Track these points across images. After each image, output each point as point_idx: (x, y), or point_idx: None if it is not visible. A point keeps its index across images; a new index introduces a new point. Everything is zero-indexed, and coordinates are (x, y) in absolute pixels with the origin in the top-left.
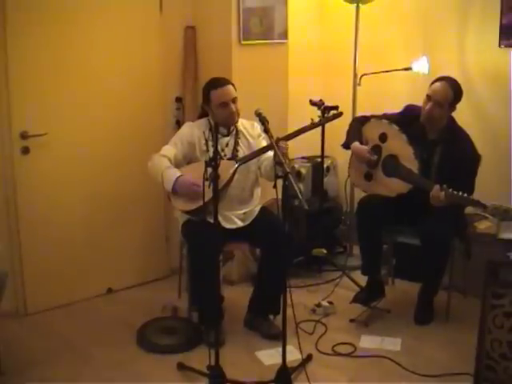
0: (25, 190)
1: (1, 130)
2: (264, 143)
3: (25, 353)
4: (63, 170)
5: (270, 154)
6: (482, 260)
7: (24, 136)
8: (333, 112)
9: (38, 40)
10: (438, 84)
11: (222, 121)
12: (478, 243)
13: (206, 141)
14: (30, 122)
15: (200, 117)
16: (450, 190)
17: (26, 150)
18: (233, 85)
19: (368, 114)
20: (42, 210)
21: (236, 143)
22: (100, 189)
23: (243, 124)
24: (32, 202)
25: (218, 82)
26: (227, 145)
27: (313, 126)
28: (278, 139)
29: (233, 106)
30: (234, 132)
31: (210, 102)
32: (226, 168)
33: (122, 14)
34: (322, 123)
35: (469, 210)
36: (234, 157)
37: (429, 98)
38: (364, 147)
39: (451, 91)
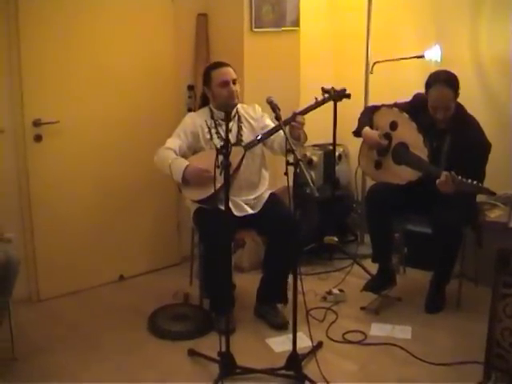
0: (37, 177)
1: (14, 117)
2: (269, 121)
3: (37, 339)
4: (75, 157)
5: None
6: (493, 248)
7: (37, 124)
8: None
9: (50, 29)
10: (436, 92)
11: (222, 102)
12: (489, 231)
13: (209, 129)
14: (43, 109)
15: (200, 107)
16: (459, 177)
17: (38, 138)
18: (233, 68)
19: (379, 103)
20: (55, 198)
21: (239, 128)
22: (112, 176)
23: (244, 108)
24: (45, 189)
25: (220, 63)
26: (230, 130)
27: (317, 104)
28: (295, 114)
29: (233, 86)
30: (236, 117)
31: (211, 82)
32: (234, 154)
33: (134, 2)
34: (325, 101)
35: (480, 198)
36: (238, 142)
37: (435, 107)
38: (375, 132)
39: (450, 90)
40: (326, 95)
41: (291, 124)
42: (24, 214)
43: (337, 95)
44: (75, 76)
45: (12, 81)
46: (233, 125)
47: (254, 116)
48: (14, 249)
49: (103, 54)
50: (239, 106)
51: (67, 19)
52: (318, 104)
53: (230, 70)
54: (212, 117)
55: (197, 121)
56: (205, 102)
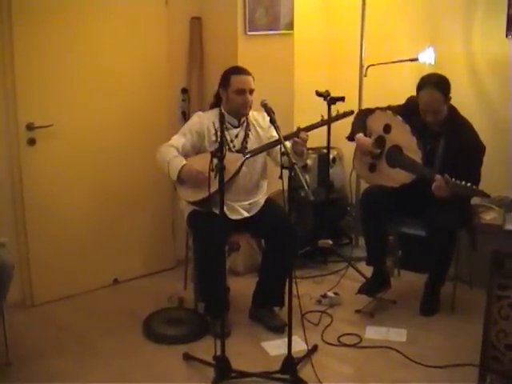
0: (31, 181)
1: (7, 121)
2: (275, 133)
3: (32, 343)
4: (69, 161)
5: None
6: (487, 251)
7: (30, 127)
8: (344, 110)
9: (43, 32)
10: (425, 94)
11: (235, 108)
12: (483, 234)
13: (216, 131)
14: (36, 113)
15: (212, 107)
16: (453, 179)
17: (32, 142)
18: (253, 78)
19: (373, 106)
20: (49, 201)
21: (246, 135)
22: (106, 180)
23: (254, 115)
24: (38, 193)
25: (242, 70)
26: (237, 136)
27: (323, 123)
28: (299, 129)
29: (249, 96)
30: (245, 124)
31: (229, 86)
32: (233, 160)
33: (128, 5)
34: (331, 121)
35: (475, 200)
36: (242, 148)
37: (425, 110)
38: (368, 139)
39: (440, 93)
40: (334, 114)
41: (294, 140)
42: (18, 218)
43: (342, 117)
44: (69, 79)
45: (5, 84)
46: (240, 131)
47: (263, 125)
48: (8, 253)
49: (97, 58)
50: (250, 112)
51: (61, 22)
52: (323, 123)
53: (250, 79)
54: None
55: (204, 121)
56: (217, 103)
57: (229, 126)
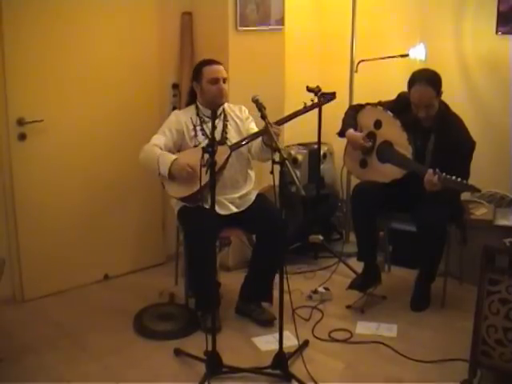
0: (21, 176)
1: None
2: (253, 125)
3: (22, 339)
4: (60, 156)
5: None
6: (478, 246)
7: (21, 122)
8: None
9: (34, 26)
10: (417, 90)
11: (210, 99)
12: (474, 229)
13: (194, 126)
14: (27, 108)
15: (187, 104)
16: (444, 174)
17: (22, 137)
18: (224, 68)
19: (363, 102)
20: (39, 197)
21: (225, 126)
22: (97, 175)
23: (230, 107)
24: (29, 188)
25: (212, 60)
26: (216, 128)
27: (306, 109)
28: (271, 124)
29: (223, 84)
30: (222, 116)
31: (202, 78)
32: (219, 153)
33: (119, 0)
34: (314, 107)
35: (465, 196)
36: (223, 140)
37: (417, 106)
38: (359, 134)
39: (432, 89)
40: (310, 103)
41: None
42: (8, 213)
43: (323, 102)
44: (59, 75)
45: None
46: (218, 123)
47: (240, 116)
48: None
49: (87, 53)
50: (226, 104)
51: (51, 17)
52: (308, 109)
53: (222, 68)
54: (197, 114)
55: (181, 118)
56: (192, 99)
57: (206, 118)
